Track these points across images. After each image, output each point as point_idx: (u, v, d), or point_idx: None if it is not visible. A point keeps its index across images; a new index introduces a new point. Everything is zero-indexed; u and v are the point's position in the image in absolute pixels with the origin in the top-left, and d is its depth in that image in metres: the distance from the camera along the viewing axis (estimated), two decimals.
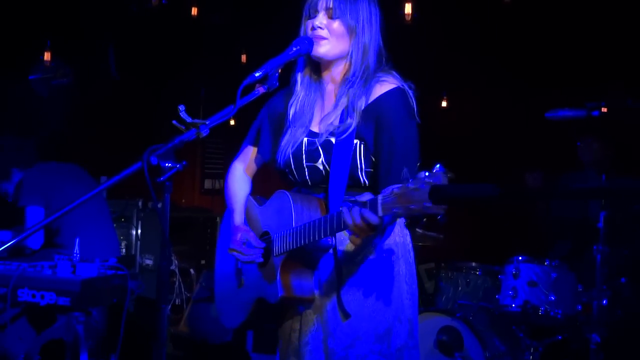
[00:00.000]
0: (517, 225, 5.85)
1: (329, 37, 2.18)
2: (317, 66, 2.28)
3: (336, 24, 2.18)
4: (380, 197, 1.79)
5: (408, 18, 5.78)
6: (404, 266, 2.23)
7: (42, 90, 6.73)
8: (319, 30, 2.18)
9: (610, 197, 3.87)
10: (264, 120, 2.41)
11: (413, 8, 5.82)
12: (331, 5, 2.17)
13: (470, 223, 6.24)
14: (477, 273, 4.59)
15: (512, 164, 5.87)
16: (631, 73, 5.40)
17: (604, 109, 3.29)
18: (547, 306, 4.05)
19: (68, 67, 6.77)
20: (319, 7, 2.19)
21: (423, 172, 1.67)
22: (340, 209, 1.92)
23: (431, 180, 1.65)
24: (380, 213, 1.79)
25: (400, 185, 1.72)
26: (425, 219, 1.70)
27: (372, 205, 1.81)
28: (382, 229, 2.01)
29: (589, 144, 4.91)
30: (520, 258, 4.20)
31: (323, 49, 2.19)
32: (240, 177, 2.47)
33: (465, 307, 4.42)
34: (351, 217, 1.86)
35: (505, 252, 4.33)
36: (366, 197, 1.86)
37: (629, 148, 5.01)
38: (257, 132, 2.43)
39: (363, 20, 2.19)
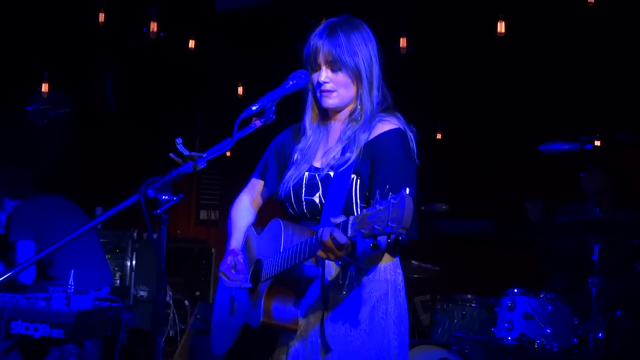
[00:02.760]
0: (513, 257, 5.84)
1: (337, 89, 2.23)
2: (326, 109, 2.32)
3: (340, 76, 2.22)
4: (351, 217, 1.83)
5: (403, 52, 5.85)
6: (393, 305, 2.22)
7: (39, 121, 6.76)
8: (325, 85, 2.22)
9: (603, 232, 3.88)
10: (271, 155, 2.45)
11: (408, 42, 5.89)
12: (331, 59, 2.21)
13: (466, 255, 6.23)
14: (473, 305, 4.57)
15: (507, 196, 5.89)
16: (626, 107, 5.45)
17: (598, 143, 3.33)
18: (543, 339, 4.03)
19: (66, 99, 6.81)
20: (320, 62, 2.23)
21: (391, 194, 1.70)
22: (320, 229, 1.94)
23: (396, 201, 1.67)
24: (349, 233, 1.82)
25: (369, 207, 1.76)
26: (389, 240, 1.73)
27: (344, 226, 1.84)
28: (356, 255, 2.02)
29: (593, 175, 4.91)
30: (515, 290, 4.19)
31: (334, 101, 2.25)
32: (244, 207, 2.50)
33: (461, 340, 4.39)
34: (322, 235, 1.89)
35: (501, 284, 4.32)
36: (340, 219, 1.87)
37: (629, 179, 5.02)
38: (264, 166, 2.47)
39: (364, 62, 2.23)
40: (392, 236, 1.71)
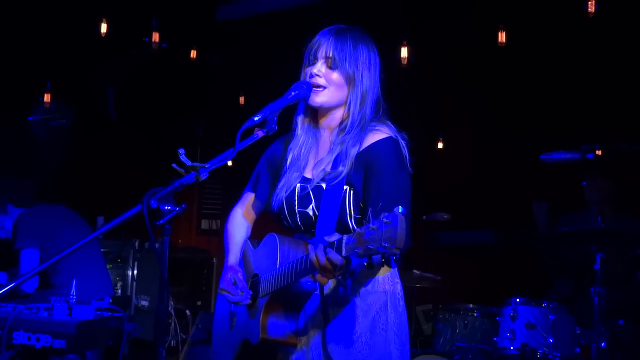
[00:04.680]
0: (515, 267, 5.84)
1: (327, 85, 2.19)
2: (315, 112, 2.30)
3: (335, 75, 2.19)
4: (345, 237, 1.81)
5: (404, 62, 5.87)
6: (393, 315, 2.21)
7: (40, 131, 6.77)
8: (317, 78, 2.19)
9: (606, 241, 3.87)
10: (262, 167, 2.43)
11: (409, 52, 5.91)
12: (331, 55, 2.18)
13: (468, 264, 6.22)
14: (475, 315, 4.56)
15: (509, 205, 5.88)
16: (626, 117, 5.45)
17: (599, 152, 3.33)
18: (545, 349, 4.02)
19: (68, 109, 6.83)
20: (319, 55, 2.20)
21: (384, 213, 1.69)
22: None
23: (389, 220, 1.66)
24: (344, 253, 1.80)
25: (363, 226, 1.74)
26: (383, 259, 1.72)
27: (338, 245, 1.82)
28: (351, 270, 2.00)
29: (596, 184, 4.91)
30: (518, 300, 4.18)
31: (320, 99, 2.20)
32: (238, 221, 2.49)
33: (464, 350, 4.38)
34: (316, 256, 1.87)
35: (503, 293, 4.31)
36: (334, 237, 1.85)
37: (631, 188, 5.02)
38: (255, 179, 2.45)
39: (362, 69, 2.20)
40: (386, 255, 1.70)
